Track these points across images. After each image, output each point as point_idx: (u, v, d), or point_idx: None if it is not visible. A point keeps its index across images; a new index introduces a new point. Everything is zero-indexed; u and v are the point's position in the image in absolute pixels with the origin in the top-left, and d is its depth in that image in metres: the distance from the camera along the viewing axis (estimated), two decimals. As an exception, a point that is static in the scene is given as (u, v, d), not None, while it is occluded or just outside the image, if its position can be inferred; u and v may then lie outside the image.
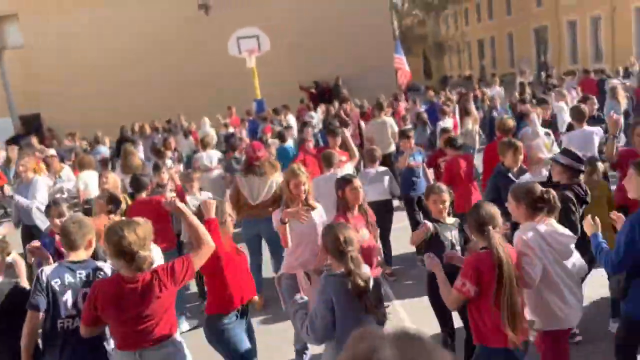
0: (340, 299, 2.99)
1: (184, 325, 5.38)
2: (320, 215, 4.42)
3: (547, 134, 6.71)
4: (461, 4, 38.55)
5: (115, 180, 6.17)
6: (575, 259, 3.48)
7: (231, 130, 12.65)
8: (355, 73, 19.80)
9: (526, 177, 5.19)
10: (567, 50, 30.38)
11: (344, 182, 4.36)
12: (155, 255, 4.21)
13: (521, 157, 5.18)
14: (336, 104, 14.26)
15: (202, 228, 3.22)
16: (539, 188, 3.40)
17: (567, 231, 3.41)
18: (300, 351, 4.51)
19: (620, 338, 3.55)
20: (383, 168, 6.54)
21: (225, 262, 3.52)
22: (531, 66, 28.77)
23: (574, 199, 4.04)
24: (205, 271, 3.53)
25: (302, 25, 19.80)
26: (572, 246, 3.40)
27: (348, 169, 6.22)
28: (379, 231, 4.69)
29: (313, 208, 4.37)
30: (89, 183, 7.53)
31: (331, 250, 3.12)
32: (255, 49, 15.27)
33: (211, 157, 8.53)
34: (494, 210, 3.17)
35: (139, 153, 9.55)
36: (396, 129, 9.41)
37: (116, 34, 19.52)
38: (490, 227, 3.05)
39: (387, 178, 6.34)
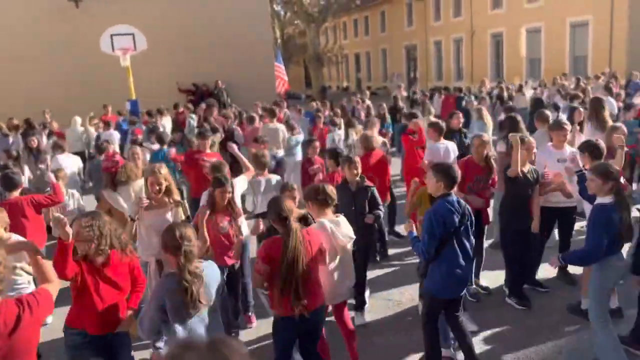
0: (173, 297, 3.09)
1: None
2: (175, 215, 4.73)
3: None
4: (340, 18, 40.25)
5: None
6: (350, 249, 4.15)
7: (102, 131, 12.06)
8: (235, 78, 19.74)
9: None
10: (434, 68, 33.09)
11: (218, 183, 4.70)
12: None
13: (356, 171, 5.25)
14: (214, 108, 14.11)
15: (46, 268, 2.97)
16: (322, 187, 4.16)
17: (349, 228, 4.12)
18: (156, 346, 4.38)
19: (425, 313, 4.17)
20: (274, 176, 6.24)
21: (81, 288, 3.29)
22: (403, 81, 30.87)
23: None
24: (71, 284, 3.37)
25: (181, 26, 19.29)
26: (350, 241, 4.12)
27: (242, 182, 5.56)
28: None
29: (172, 206, 4.67)
30: None
31: (169, 246, 3.17)
32: (131, 47, 14.64)
33: (69, 158, 8.46)
34: (289, 204, 3.73)
35: None
36: (287, 134, 9.56)
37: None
38: (289, 216, 3.56)
39: (278, 187, 5.86)
